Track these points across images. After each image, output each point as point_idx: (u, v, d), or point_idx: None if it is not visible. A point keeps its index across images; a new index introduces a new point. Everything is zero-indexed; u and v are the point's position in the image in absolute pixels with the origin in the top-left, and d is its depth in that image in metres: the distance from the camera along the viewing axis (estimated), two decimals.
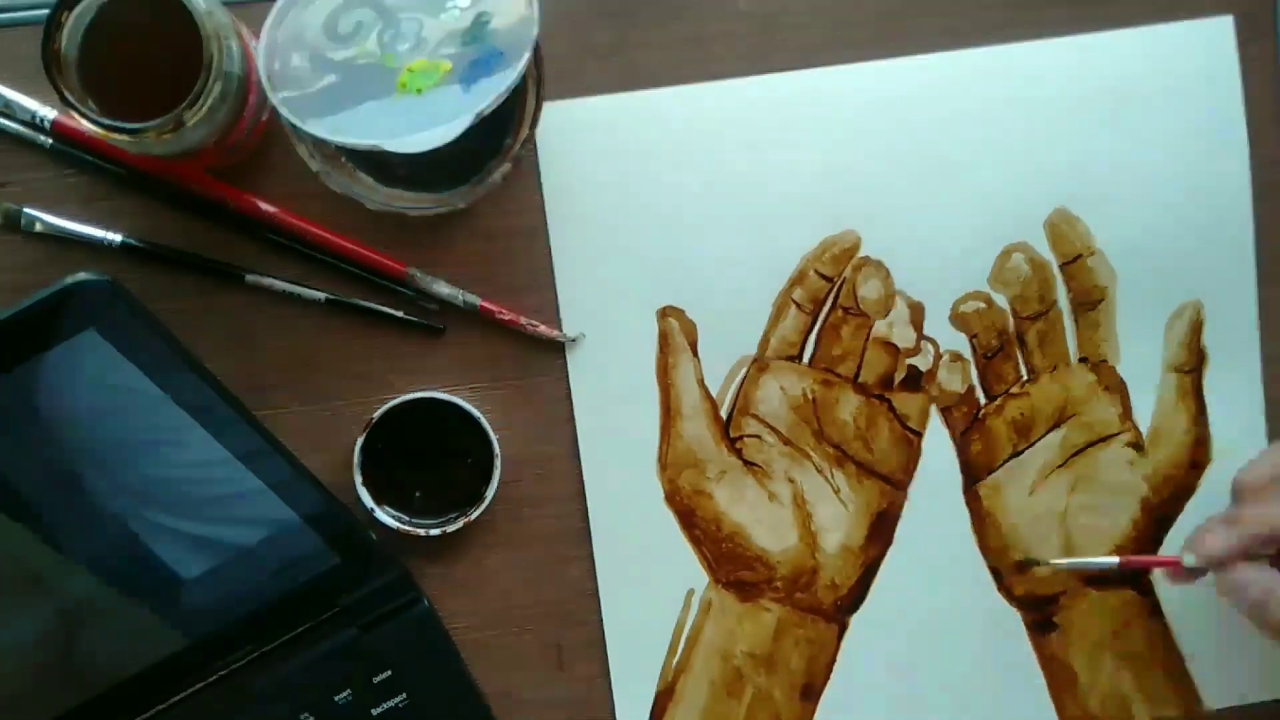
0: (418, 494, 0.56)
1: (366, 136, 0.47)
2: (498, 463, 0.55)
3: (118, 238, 0.55)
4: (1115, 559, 0.57)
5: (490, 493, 0.55)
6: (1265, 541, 0.51)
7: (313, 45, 0.49)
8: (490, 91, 0.47)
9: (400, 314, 0.56)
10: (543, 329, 0.56)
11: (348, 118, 0.48)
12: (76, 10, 0.47)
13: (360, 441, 0.54)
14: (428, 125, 0.47)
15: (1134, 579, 0.59)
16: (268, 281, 0.55)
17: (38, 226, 0.54)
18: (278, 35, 0.49)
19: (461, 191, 0.53)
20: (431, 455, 0.56)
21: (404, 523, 0.55)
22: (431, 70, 0.48)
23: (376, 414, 0.54)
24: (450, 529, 0.55)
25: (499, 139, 0.53)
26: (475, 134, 0.48)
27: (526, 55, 0.48)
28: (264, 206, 0.55)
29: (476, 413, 0.55)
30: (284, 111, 0.48)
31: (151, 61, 0.49)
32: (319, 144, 0.51)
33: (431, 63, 0.48)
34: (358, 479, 0.54)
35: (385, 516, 0.55)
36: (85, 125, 0.47)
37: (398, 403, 0.55)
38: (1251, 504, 0.51)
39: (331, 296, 0.56)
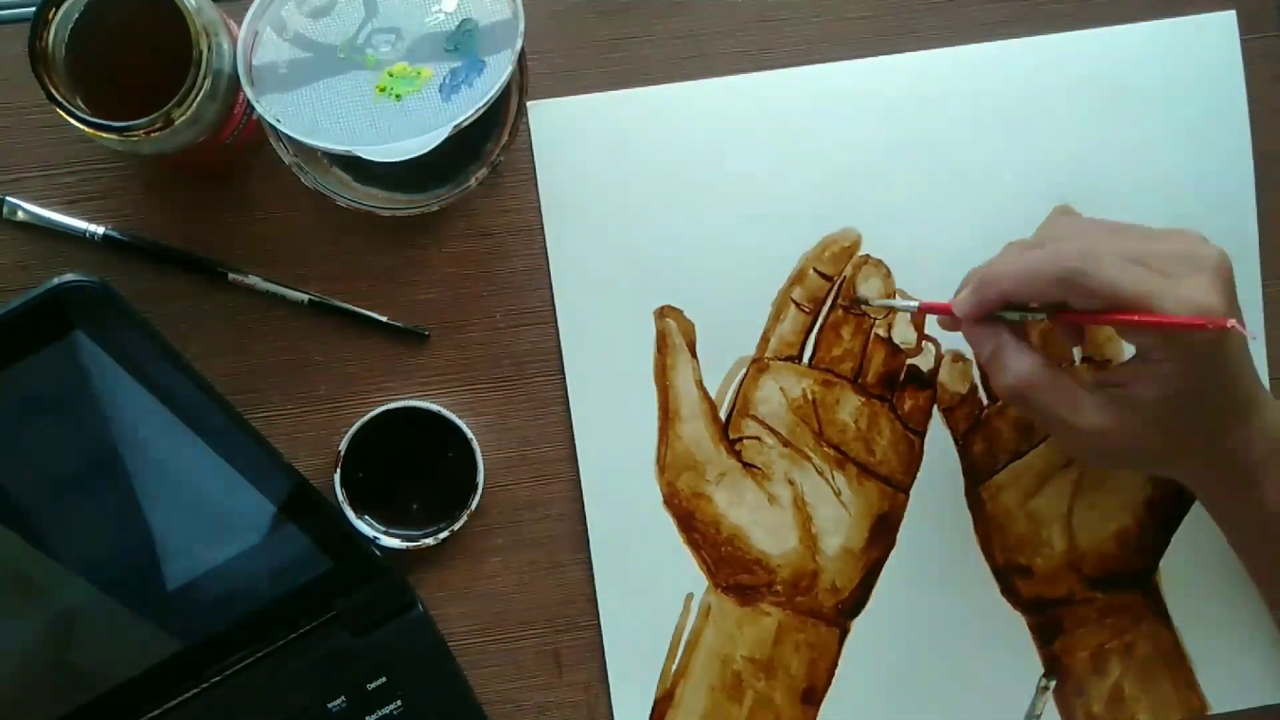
0: (415, 506, 0.55)
1: (342, 141, 0.47)
2: (480, 470, 0.54)
3: (100, 230, 0.54)
4: (916, 301, 0.55)
5: (474, 501, 0.54)
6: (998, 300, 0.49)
7: (293, 36, 0.48)
8: (470, 103, 0.47)
9: (385, 319, 0.55)
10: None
11: (324, 119, 0.47)
12: (64, 7, 0.46)
13: (342, 447, 0.54)
14: (405, 134, 0.47)
15: (1138, 581, 0.58)
16: (250, 280, 0.54)
17: (20, 215, 0.53)
18: (257, 28, 0.48)
19: (437, 195, 0.53)
20: (421, 462, 0.55)
21: (388, 535, 0.54)
22: (412, 76, 0.48)
23: (351, 429, 0.54)
24: (431, 542, 0.54)
25: (479, 144, 0.53)
26: (455, 139, 0.47)
27: (509, 67, 0.47)
28: None
29: (457, 419, 0.54)
30: (258, 106, 0.47)
31: (141, 59, 0.48)
32: (293, 139, 0.51)
33: (412, 68, 0.48)
34: (340, 497, 0.54)
35: (367, 529, 0.54)
36: (73, 124, 0.46)
37: (373, 416, 0.54)
38: (1000, 260, 0.50)
39: (314, 298, 0.55)
